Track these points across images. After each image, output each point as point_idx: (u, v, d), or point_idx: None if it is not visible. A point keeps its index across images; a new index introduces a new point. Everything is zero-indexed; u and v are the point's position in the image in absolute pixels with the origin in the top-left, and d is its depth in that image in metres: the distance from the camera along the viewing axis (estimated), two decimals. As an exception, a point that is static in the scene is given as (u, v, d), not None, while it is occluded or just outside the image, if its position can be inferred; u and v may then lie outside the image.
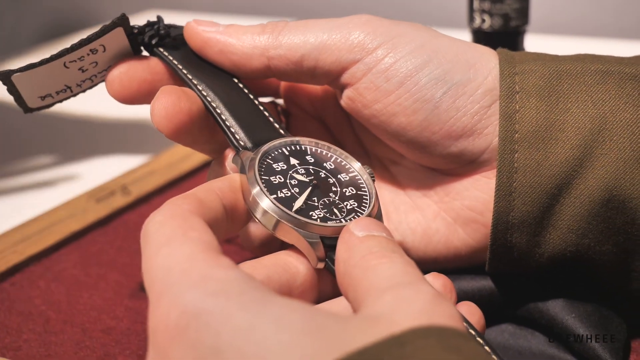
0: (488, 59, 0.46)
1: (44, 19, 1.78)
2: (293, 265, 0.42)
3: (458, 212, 0.47)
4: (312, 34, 0.47)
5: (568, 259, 0.45)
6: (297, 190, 0.43)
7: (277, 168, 0.44)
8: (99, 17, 1.54)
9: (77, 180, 0.73)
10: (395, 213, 0.49)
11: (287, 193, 0.42)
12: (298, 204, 0.42)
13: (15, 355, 0.49)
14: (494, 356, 0.38)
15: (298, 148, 0.46)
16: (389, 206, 0.50)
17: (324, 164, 0.45)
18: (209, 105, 0.47)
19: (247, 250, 0.52)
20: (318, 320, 0.31)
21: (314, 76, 0.48)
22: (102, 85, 0.50)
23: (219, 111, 0.47)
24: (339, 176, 0.45)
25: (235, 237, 0.58)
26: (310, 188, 0.43)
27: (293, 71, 0.48)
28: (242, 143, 0.45)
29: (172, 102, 0.46)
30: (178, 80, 0.50)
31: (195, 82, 0.48)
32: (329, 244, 0.41)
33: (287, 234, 0.41)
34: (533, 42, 0.71)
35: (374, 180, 0.46)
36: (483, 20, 0.68)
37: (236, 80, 0.49)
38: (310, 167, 0.45)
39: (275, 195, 0.42)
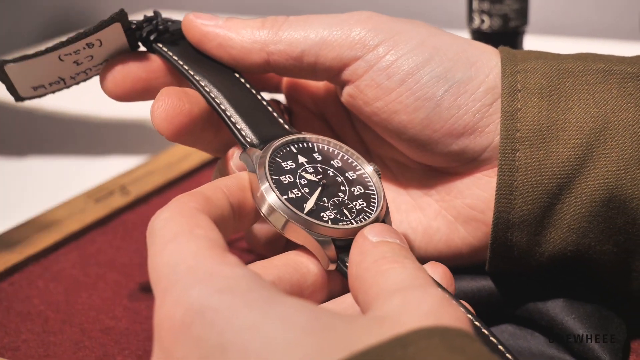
0: (489, 57, 0.46)
1: (43, 18, 1.78)
2: (304, 265, 0.42)
3: (459, 211, 0.47)
4: (312, 30, 0.47)
5: (568, 259, 0.45)
6: (307, 190, 0.43)
7: (286, 167, 0.43)
8: (98, 17, 1.54)
9: (76, 180, 0.73)
10: (396, 212, 0.49)
11: (298, 193, 0.42)
12: (309, 205, 0.42)
13: (13, 356, 0.48)
14: (508, 355, 0.38)
15: (305, 145, 0.45)
16: (390, 205, 0.50)
17: (332, 162, 0.45)
18: (212, 102, 0.46)
19: (251, 248, 0.52)
20: (323, 320, 0.31)
21: (314, 72, 0.47)
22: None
23: (223, 107, 0.46)
24: (346, 174, 0.45)
25: (235, 239, 0.58)
26: (320, 188, 0.43)
27: (293, 67, 0.47)
28: (248, 140, 0.45)
29: (172, 104, 0.45)
30: (175, 76, 0.49)
31: (198, 78, 0.47)
32: (340, 245, 0.41)
33: (298, 235, 0.41)
34: (532, 43, 0.71)
35: (380, 177, 0.46)
36: (482, 21, 0.68)
37: (237, 75, 0.49)
38: (319, 165, 0.45)
39: (286, 196, 0.42)
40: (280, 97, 0.55)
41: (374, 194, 0.45)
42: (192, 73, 0.48)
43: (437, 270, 0.41)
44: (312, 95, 0.53)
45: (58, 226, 0.62)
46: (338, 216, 0.42)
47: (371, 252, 0.38)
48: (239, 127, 0.45)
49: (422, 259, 0.47)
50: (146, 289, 0.54)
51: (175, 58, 0.48)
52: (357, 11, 0.47)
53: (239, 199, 0.42)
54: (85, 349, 0.49)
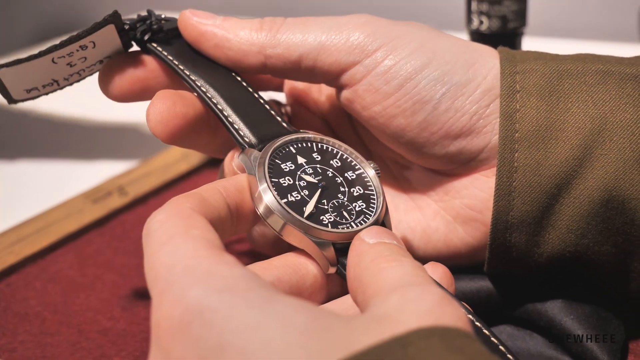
0: (487, 58, 0.46)
1: (38, 20, 1.78)
2: (303, 266, 0.42)
3: (457, 211, 0.47)
4: (311, 33, 0.46)
5: (567, 259, 0.45)
6: (307, 192, 0.43)
7: (286, 168, 0.43)
8: (93, 19, 1.53)
9: (74, 180, 0.73)
10: (395, 212, 0.49)
11: (297, 196, 0.42)
12: (309, 208, 0.42)
13: (10, 357, 0.48)
14: (509, 355, 0.38)
15: (304, 145, 0.45)
16: (389, 205, 0.50)
17: (331, 162, 0.45)
18: (209, 102, 0.46)
19: (254, 248, 0.52)
20: (322, 320, 0.31)
21: (312, 76, 0.47)
22: (98, 86, 0.50)
23: (220, 107, 0.46)
24: (346, 175, 0.45)
25: (230, 242, 0.57)
26: (319, 190, 0.43)
27: (290, 70, 0.47)
28: (247, 140, 0.45)
29: (168, 107, 0.45)
30: (172, 76, 0.49)
31: (194, 78, 0.47)
32: (340, 248, 0.41)
33: (298, 238, 0.41)
34: (531, 45, 0.71)
35: (379, 175, 0.45)
36: (481, 22, 0.68)
37: (234, 74, 0.48)
38: (318, 166, 0.44)
39: (285, 200, 0.41)
40: (281, 97, 0.55)
41: (373, 195, 0.44)
42: (187, 73, 0.47)
43: (437, 271, 0.41)
44: (312, 95, 0.53)
45: (55, 227, 0.62)
46: (338, 219, 0.42)
47: (368, 252, 0.38)
48: (236, 127, 0.45)
49: (421, 259, 0.47)
50: (144, 290, 0.54)
51: (170, 58, 0.48)
52: (355, 14, 0.47)
53: (236, 201, 0.41)
54: (82, 350, 0.49)
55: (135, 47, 0.50)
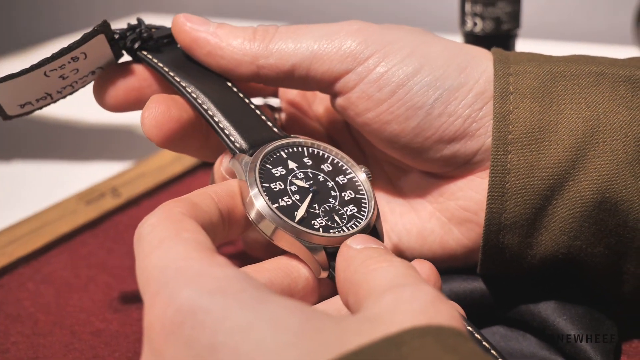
0: (479, 61, 0.46)
1: (36, 21, 1.78)
2: (295, 269, 0.42)
3: (452, 212, 0.47)
4: (303, 43, 0.46)
5: (560, 261, 0.45)
6: (298, 197, 0.43)
7: (277, 173, 0.43)
8: (89, 21, 1.53)
9: (67, 182, 0.73)
10: (390, 214, 0.50)
11: (289, 201, 0.42)
12: (300, 213, 0.42)
13: (3, 358, 0.48)
14: (500, 359, 0.38)
15: (295, 150, 0.45)
16: (385, 207, 0.50)
17: (322, 166, 0.45)
18: (200, 108, 0.46)
19: (248, 252, 0.52)
20: (315, 321, 0.31)
21: (305, 84, 0.47)
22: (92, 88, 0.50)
23: (211, 113, 0.46)
24: (337, 179, 0.45)
25: (219, 246, 0.57)
26: (311, 195, 0.43)
27: (283, 79, 0.47)
28: (237, 145, 0.45)
29: (162, 111, 0.45)
30: (164, 83, 0.49)
31: (184, 85, 0.47)
32: (331, 252, 0.41)
33: (289, 243, 0.41)
34: (524, 47, 0.71)
35: (370, 179, 0.46)
36: (475, 24, 0.68)
37: (225, 80, 0.48)
38: (309, 170, 0.44)
39: (277, 205, 0.41)
40: (275, 104, 0.55)
41: (364, 199, 0.45)
42: (178, 79, 0.47)
43: (424, 267, 0.41)
44: (306, 100, 0.53)
45: (49, 228, 0.62)
46: (329, 223, 0.42)
47: (357, 256, 0.37)
48: (227, 132, 0.45)
49: None
50: (137, 292, 0.54)
51: (161, 65, 0.48)
52: (347, 21, 0.47)
53: (228, 206, 0.41)
54: (75, 351, 0.49)
55: (126, 56, 0.50)
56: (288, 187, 0.43)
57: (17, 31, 1.83)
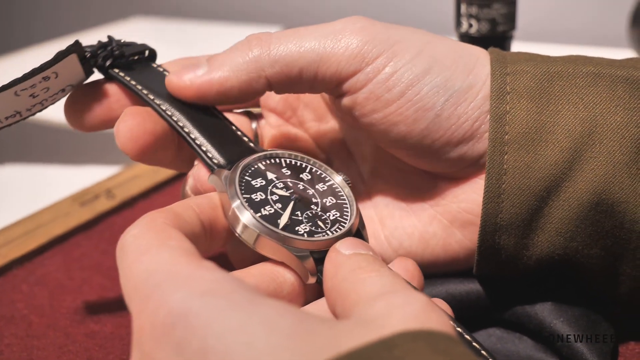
0: (484, 62, 0.45)
1: (34, 22, 1.78)
2: (280, 274, 0.41)
3: (455, 215, 0.47)
4: (306, 44, 0.45)
5: (556, 262, 0.45)
6: (280, 206, 0.43)
7: (256, 185, 0.43)
8: (89, 22, 1.54)
9: (61, 183, 0.73)
10: (389, 218, 0.49)
11: (271, 210, 0.42)
12: (284, 220, 0.42)
13: (-3, 360, 0.48)
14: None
15: (273, 161, 0.45)
16: (383, 211, 0.49)
17: (301, 175, 0.45)
18: (175, 125, 0.46)
19: (235, 263, 0.52)
20: (308, 324, 0.31)
21: (312, 87, 0.46)
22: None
23: (187, 130, 0.45)
24: (317, 186, 0.45)
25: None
26: (292, 202, 0.43)
27: (291, 85, 0.46)
28: (215, 161, 0.44)
29: (137, 124, 0.45)
30: (137, 101, 0.48)
31: (158, 103, 0.46)
32: (318, 258, 0.41)
33: (276, 251, 0.41)
34: (520, 49, 0.71)
35: (349, 185, 0.46)
36: (470, 25, 0.68)
37: None
38: (288, 180, 0.45)
39: (259, 214, 0.41)
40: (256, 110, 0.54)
41: (346, 204, 0.45)
42: (152, 97, 0.47)
43: (408, 264, 0.41)
44: (290, 105, 0.52)
45: (43, 230, 0.62)
46: (313, 228, 0.42)
47: (345, 263, 0.37)
48: (204, 149, 0.45)
49: (419, 265, 0.47)
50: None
51: (133, 83, 0.48)
52: (347, 19, 0.46)
53: (210, 217, 0.41)
54: (69, 353, 0.49)
55: (97, 74, 0.50)
56: (269, 197, 0.43)
57: (15, 32, 1.82)
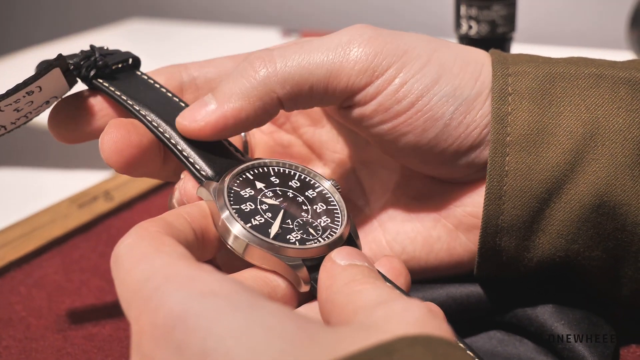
0: (489, 68, 0.45)
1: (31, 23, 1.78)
2: (273, 279, 0.41)
3: (460, 219, 0.46)
4: (314, 58, 0.44)
5: (557, 264, 0.44)
6: (270, 215, 0.42)
7: (245, 195, 0.43)
8: (86, 22, 1.53)
9: (60, 185, 0.72)
10: (391, 223, 0.49)
11: (261, 219, 0.42)
12: (274, 229, 0.42)
13: (-5, 362, 0.48)
14: None
15: (261, 170, 0.45)
16: (384, 216, 0.49)
17: (290, 183, 0.45)
18: (161, 137, 0.45)
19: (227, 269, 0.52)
20: (309, 329, 0.31)
21: (322, 102, 0.46)
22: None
23: (174, 142, 0.45)
24: (306, 193, 0.45)
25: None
26: (282, 211, 0.43)
27: (302, 103, 0.45)
28: (203, 173, 0.44)
29: (122, 136, 0.44)
30: (122, 111, 0.48)
31: (144, 113, 0.46)
32: (310, 265, 0.41)
33: (268, 261, 0.41)
34: (519, 52, 0.71)
35: (339, 190, 0.46)
36: (470, 27, 0.68)
37: (184, 105, 0.47)
38: (277, 188, 0.44)
39: (250, 224, 0.41)
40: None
41: (336, 209, 0.45)
42: (137, 108, 0.46)
43: (393, 262, 0.41)
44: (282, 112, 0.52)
45: (41, 232, 0.62)
46: (305, 236, 0.42)
47: (341, 275, 0.37)
48: (192, 160, 0.44)
49: (423, 270, 0.47)
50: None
51: (118, 93, 0.47)
52: (353, 28, 0.45)
53: (201, 226, 0.41)
54: (67, 355, 0.48)
55: (80, 84, 0.49)
56: (259, 207, 0.43)
57: (12, 33, 1.82)
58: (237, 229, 0.41)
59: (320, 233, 0.43)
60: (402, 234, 0.48)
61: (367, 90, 0.44)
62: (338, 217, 0.44)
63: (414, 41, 0.45)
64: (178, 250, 0.36)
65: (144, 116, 0.46)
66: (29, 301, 0.54)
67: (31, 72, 0.45)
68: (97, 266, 0.58)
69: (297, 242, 0.41)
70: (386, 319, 0.32)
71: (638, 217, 0.42)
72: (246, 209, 0.42)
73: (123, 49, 0.51)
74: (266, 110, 0.44)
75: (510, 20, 0.68)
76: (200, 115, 0.44)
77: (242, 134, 0.51)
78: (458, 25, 0.69)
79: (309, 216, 0.43)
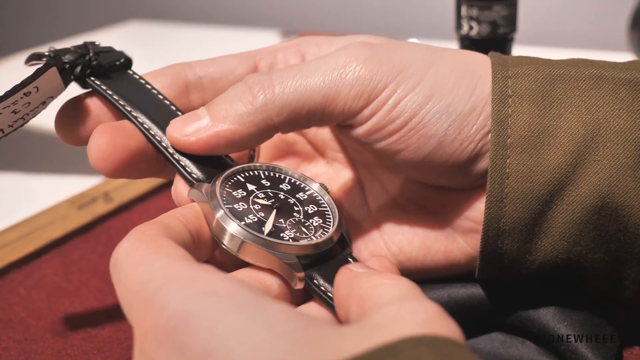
0: (485, 79, 0.45)
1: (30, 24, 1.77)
2: (267, 278, 0.41)
3: (457, 223, 0.46)
4: (312, 83, 0.44)
5: (559, 267, 0.44)
6: (263, 214, 0.43)
7: (238, 195, 0.43)
8: (85, 23, 1.53)
9: (59, 186, 0.72)
10: (389, 223, 0.49)
11: (254, 218, 0.42)
12: (268, 227, 0.42)
13: (-6, 364, 0.48)
14: None
15: (252, 174, 0.45)
16: (382, 218, 0.49)
17: (280, 186, 0.45)
18: (152, 139, 0.45)
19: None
20: (315, 329, 0.31)
21: (318, 124, 0.46)
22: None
23: (164, 145, 0.45)
24: (297, 195, 0.45)
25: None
26: (275, 211, 0.43)
27: (298, 127, 0.45)
28: (194, 176, 0.44)
29: (107, 141, 0.44)
30: (117, 113, 0.47)
31: (135, 115, 0.46)
32: (304, 263, 0.41)
33: (263, 258, 0.41)
34: (519, 53, 0.71)
35: (328, 192, 0.46)
36: (471, 27, 0.68)
37: (174, 108, 0.47)
38: (269, 190, 0.45)
39: (243, 222, 0.41)
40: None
41: (327, 211, 0.45)
42: (129, 109, 0.46)
43: (383, 260, 0.41)
44: None
45: (40, 233, 0.62)
46: (298, 234, 0.42)
47: (361, 274, 0.37)
48: (183, 164, 0.44)
49: (419, 271, 0.47)
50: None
51: (110, 92, 0.47)
52: (348, 48, 0.45)
53: (196, 227, 0.41)
54: (67, 356, 0.48)
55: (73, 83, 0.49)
56: (251, 206, 0.43)
57: (11, 35, 1.82)
58: (231, 227, 0.41)
59: (313, 232, 0.43)
60: (400, 235, 0.48)
61: (362, 113, 0.44)
62: (329, 218, 0.44)
63: (410, 58, 0.45)
64: (178, 251, 0.36)
65: (135, 118, 0.46)
66: (29, 302, 0.54)
67: (29, 75, 0.45)
68: (97, 267, 0.58)
69: (290, 240, 0.42)
70: (396, 318, 0.32)
71: None
72: (239, 208, 0.42)
73: (122, 51, 0.51)
74: (260, 136, 0.44)
75: (511, 20, 0.68)
76: (192, 129, 0.44)
77: None
78: (459, 25, 0.69)
79: (301, 216, 0.44)
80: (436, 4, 1.34)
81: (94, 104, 0.48)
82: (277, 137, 0.52)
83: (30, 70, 0.46)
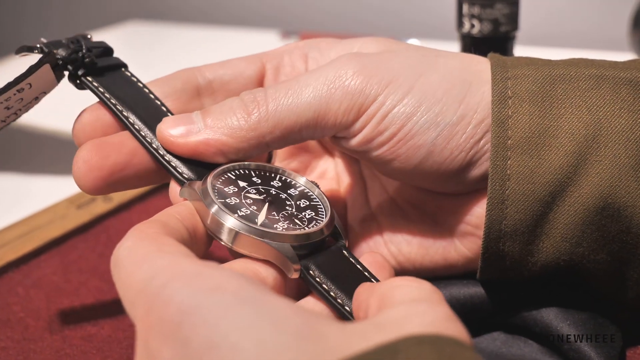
0: (477, 87, 0.44)
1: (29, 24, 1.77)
2: (262, 270, 0.41)
3: (455, 226, 0.47)
4: (303, 99, 0.44)
5: (562, 268, 0.44)
6: (255, 208, 0.43)
7: (229, 191, 0.43)
8: (83, 24, 1.53)
9: (58, 186, 0.72)
10: (389, 223, 0.49)
11: (247, 211, 0.42)
12: (261, 218, 0.42)
13: (-8, 363, 0.48)
14: None
15: (242, 172, 0.45)
16: (382, 219, 0.49)
17: (271, 183, 0.46)
18: (143, 140, 0.45)
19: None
20: (318, 325, 0.31)
21: (310, 138, 0.46)
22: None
23: (155, 146, 0.45)
24: (288, 191, 0.46)
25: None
26: (267, 204, 0.43)
27: (290, 142, 0.46)
28: (185, 176, 0.44)
29: (84, 161, 0.44)
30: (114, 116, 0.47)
31: (127, 115, 0.46)
32: (299, 253, 0.41)
33: (258, 248, 0.41)
34: (521, 53, 0.71)
35: (318, 187, 0.46)
36: (472, 26, 0.68)
37: (165, 109, 0.47)
38: (260, 186, 0.45)
39: (237, 214, 0.42)
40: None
41: (320, 205, 0.45)
42: (120, 109, 0.46)
43: (376, 256, 0.42)
44: None
45: (39, 232, 0.62)
46: (291, 226, 0.43)
47: (383, 282, 0.37)
48: (173, 164, 0.45)
49: (417, 272, 0.47)
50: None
51: (102, 90, 0.47)
52: (338, 62, 0.45)
53: (192, 224, 0.41)
54: (66, 356, 0.48)
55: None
56: (244, 201, 0.43)
57: (11, 35, 1.82)
58: (226, 220, 0.41)
59: (306, 224, 0.43)
60: (399, 235, 0.49)
61: (354, 126, 0.45)
62: (322, 211, 0.45)
63: (400, 68, 0.45)
64: (180, 249, 0.36)
65: (127, 118, 0.46)
66: (27, 302, 0.54)
67: (22, 72, 0.45)
68: (96, 267, 0.58)
69: (283, 230, 0.42)
70: (404, 317, 0.32)
71: None
72: (232, 202, 0.42)
73: (122, 51, 0.51)
74: (250, 152, 0.45)
75: (513, 18, 0.68)
76: (183, 131, 0.44)
77: None
78: (460, 24, 0.69)
79: (294, 210, 0.44)
80: (437, 4, 1.33)
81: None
82: None
83: (24, 65, 0.46)
